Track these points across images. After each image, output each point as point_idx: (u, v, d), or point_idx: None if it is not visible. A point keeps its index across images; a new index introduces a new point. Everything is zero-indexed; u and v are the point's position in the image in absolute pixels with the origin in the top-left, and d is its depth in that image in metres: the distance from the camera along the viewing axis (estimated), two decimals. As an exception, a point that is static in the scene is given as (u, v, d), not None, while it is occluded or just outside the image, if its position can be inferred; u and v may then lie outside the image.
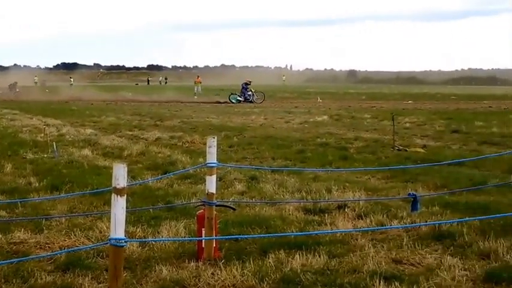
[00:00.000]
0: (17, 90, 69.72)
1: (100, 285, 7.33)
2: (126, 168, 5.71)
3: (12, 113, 37.89)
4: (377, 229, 9.46)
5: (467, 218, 9.52)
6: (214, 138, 8.21)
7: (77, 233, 9.32)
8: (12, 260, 7.60)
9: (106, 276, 7.27)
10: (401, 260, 8.21)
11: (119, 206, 5.62)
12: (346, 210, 10.83)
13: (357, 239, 9.06)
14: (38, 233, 9.40)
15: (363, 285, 7.23)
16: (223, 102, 53.26)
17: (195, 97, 61.56)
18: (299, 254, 8.22)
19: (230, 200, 11.43)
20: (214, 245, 8.22)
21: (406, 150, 19.26)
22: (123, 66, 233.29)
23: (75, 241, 9.04)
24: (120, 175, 5.63)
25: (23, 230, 9.41)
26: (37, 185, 13.27)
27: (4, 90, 69.73)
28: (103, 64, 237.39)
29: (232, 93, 56.05)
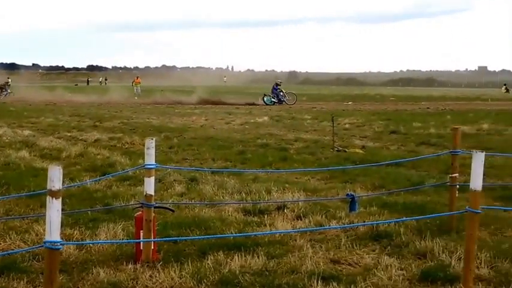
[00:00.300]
0: (8, 92, 64.35)
1: (36, 288, 7.24)
2: (61, 170, 5.64)
3: None
4: (315, 229, 9.52)
5: (404, 218, 9.62)
6: (152, 139, 8.17)
7: (13, 236, 9.17)
8: None
9: (42, 280, 7.18)
10: (339, 260, 8.28)
11: (54, 209, 5.56)
12: (285, 211, 10.86)
13: (295, 240, 9.10)
14: (-28, 237, 9.23)
15: (301, 286, 7.27)
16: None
17: (136, 98, 60.99)
18: (238, 255, 8.22)
19: (169, 201, 11.40)
20: (152, 247, 8.17)
21: (346, 151, 19.41)
22: (63, 66, 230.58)
23: (10, 244, 8.89)
24: (55, 177, 5.56)
25: (-43, 233, 9.24)
26: (-28, 187, 13.03)
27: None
28: (42, 64, 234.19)
29: (265, 95, 54.68)
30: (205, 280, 7.42)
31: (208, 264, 7.95)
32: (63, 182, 5.69)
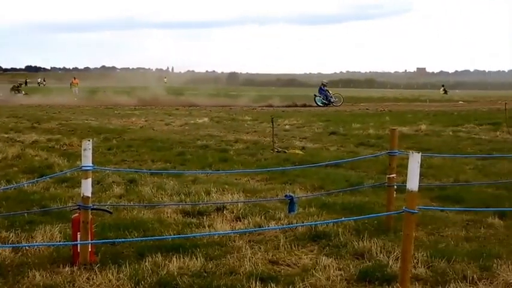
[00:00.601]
0: (23, 93, 61.92)
1: (-30, 293, 7.11)
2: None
3: None
4: (254, 230, 9.53)
5: (342, 219, 9.69)
6: (89, 141, 8.08)
7: None
8: None
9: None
10: (277, 261, 8.29)
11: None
12: (224, 212, 10.85)
13: (234, 241, 9.09)
14: None
15: (240, 287, 7.26)
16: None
17: (75, 99, 60.22)
18: (176, 257, 8.18)
19: (108, 203, 11.30)
20: (90, 249, 8.09)
21: (285, 152, 19.46)
22: (0, 67, 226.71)
23: None
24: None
25: None
26: None
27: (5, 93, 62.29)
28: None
29: (316, 96, 54.26)
30: (143, 282, 7.37)
31: (146, 266, 7.90)
32: (-2, 184, 5.60)
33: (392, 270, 7.71)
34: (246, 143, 22.24)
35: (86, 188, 8.07)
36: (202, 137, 24.05)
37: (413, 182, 6.70)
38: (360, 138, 23.86)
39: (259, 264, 8.05)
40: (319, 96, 53.95)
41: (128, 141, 22.45)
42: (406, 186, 6.89)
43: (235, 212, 10.83)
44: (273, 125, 21.72)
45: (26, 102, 53.57)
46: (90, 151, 8.02)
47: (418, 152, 6.81)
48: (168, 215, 10.76)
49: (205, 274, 7.71)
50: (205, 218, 10.52)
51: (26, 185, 12.69)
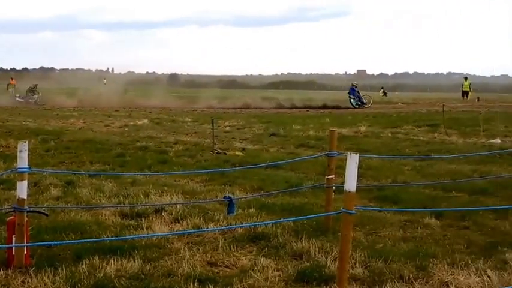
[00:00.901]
0: (39, 95, 58.39)
1: None
2: None
3: None
4: (193, 232, 9.49)
5: (282, 219, 9.71)
6: (25, 142, 7.95)
7: None
8: None
9: None
10: (216, 263, 8.28)
11: None
12: (163, 214, 10.78)
13: (173, 243, 9.05)
14: None
15: (177, 289, 7.23)
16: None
17: (17, 99, 59.06)
18: (114, 259, 8.10)
19: (44, 205, 11.14)
20: (25, 252, 7.96)
21: (226, 154, 19.45)
22: None
23: None
24: None
25: None
26: None
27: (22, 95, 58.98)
28: None
29: (350, 97, 53.87)
30: (79, 285, 7.28)
31: (83, 268, 7.80)
32: None
33: (330, 271, 7.75)
34: (186, 144, 22.16)
35: (21, 190, 7.94)
36: (141, 139, 23.89)
37: (350, 183, 6.72)
38: (300, 140, 23.95)
39: (198, 266, 8.02)
40: (353, 97, 54.06)
41: (66, 142, 22.17)
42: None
43: (174, 213, 10.77)
44: (213, 126, 21.68)
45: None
46: (26, 153, 7.90)
47: (356, 153, 6.84)
48: (106, 217, 10.65)
49: (143, 276, 7.65)
50: (143, 219, 10.45)
51: (-40, 187, 12.45)
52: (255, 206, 11.28)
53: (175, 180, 14.33)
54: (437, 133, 26.84)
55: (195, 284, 7.28)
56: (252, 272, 7.75)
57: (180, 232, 9.63)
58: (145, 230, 9.91)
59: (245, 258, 8.42)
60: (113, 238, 8.94)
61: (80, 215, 10.73)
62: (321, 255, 8.46)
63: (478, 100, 63.77)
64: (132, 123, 32.45)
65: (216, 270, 8.01)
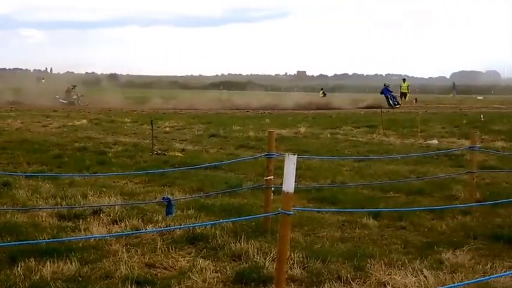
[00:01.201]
0: (79, 95, 56.48)
1: None
2: None
3: None
4: (131, 234, 9.42)
5: (220, 220, 9.69)
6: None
7: None
8: None
9: None
10: (154, 264, 8.23)
11: None
12: (101, 215, 10.68)
13: (111, 245, 8.97)
14: None
15: (115, 291, 7.17)
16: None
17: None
18: (50, 262, 8.00)
19: (-21, 207, 10.95)
20: (-42, 255, 7.82)
21: (165, 154, 19.35)
22: None
23: None
24: None
25: None
26: None
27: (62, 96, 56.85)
28: None
29: (389, 97, 54.53)
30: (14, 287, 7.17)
31: (18, 271, 7.69)
32: None
33: (269, 272, 7.76)
34: (125, 145, 22.01)
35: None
36: (80, 139, 23.64)
37: (288, 184, 6.73)
38: (240, 141, 23.97)
39: (136, 268, 7.97)
40: (390, 98, 55.02)
41: (3, 143, 21.81)
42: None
43: (112, 215, 10.68)
44: (152, 127, 21.55)
45: None
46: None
47: (294, 154, 6.85)
48: (43, 218, 10.52)
49: (80, 278, 7.57)
50: (81, 221, 10.33)
51: None
52: (194, 207, 11.25)
53: (114, 181, 14.22)
54: (376, 134, 27.13)
55: (133, 286, 7.24)
56: (190, 274, 7.73)
57: (118, 234, 9.54)
58: (82, 231, 9.81)
59: (183, 260, 8.39)
60: (50, 240, 8.81)
61: (16, 217, 10.56)
62: (260, 256, 8.46)
63: (416, 101, 64.57)
64: (70, 123, 32.10)
65: (154, 272, 7.97)
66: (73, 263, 7.99)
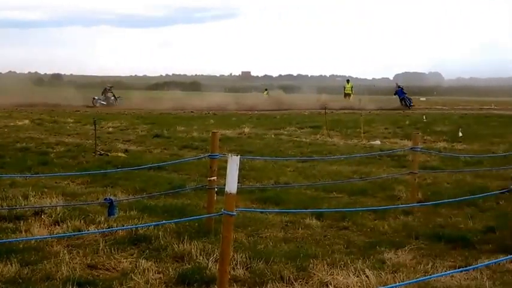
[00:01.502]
0: (116, 96, 55.98)
1: None
2: None
3: None
4: (73, 235, 9.32)
5: (163, 221, 9.65)
6: None
7: None
8: None
9: None
10: (96, 265, 8.18)
11: None
12: (42, 216, 10.56)
13: (52, 246, 8.88)
14: None
15: (56, 293, 7.10)
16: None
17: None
18: (-11, 264, 7.89)
19: None
20: None
21: (108, 155, 19.19)
22: None
23: None
24: None
25: None
26: None
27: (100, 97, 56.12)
28: None
29: (405, 98, 54.90)
30: (-48, 291, 7.05)
31: (-45, 274, 7.56)
32: None
33: (212, 272, 7.75)
34: (68, 145, 21.79)
35: None
36: (22, 140, 23.32)
37: (231, 185, 6.73)
38: (184, 141, 23.89)
39: (77, 269, 7.90)
40: (407, 99, 55.44)
41: None
42: (226, 188, 6.93)
43: (54, 216, 10.57)
44: (95, 127, 21.37)
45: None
46: None
47: (237, 155, 6.85)
48: (-17, 220, 10.36)
49: (20, 280, 7.48)
50: (22, 222, 10.20)
51: None
52: (137, 208, 11.19)
53: (56, 182, 14.06)
54: (320, 135, 27.27)
55: (75, 288, 7.17)
56: (132, 275, 7.69)
57: (60, 235, 9.45)
58: (23, 233, 9.68)
59: (126, 261, 8.34)
60: (-11, 242, 8.69)
61: (-46, 219, 10.39)
62: (203, 257, 8.46)
63: (360, 102, 65.02)
64: (12, 123, 31.67)
65: (96, 273, 7.91)
66: (13, 265, 7.89)
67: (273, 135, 27.03)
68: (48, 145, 21.80)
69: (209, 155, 10.08)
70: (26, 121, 33.19)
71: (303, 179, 15.39)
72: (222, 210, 6.80)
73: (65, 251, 8.61)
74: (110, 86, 58.93)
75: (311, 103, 55.70)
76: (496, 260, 8.34)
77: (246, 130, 29.02)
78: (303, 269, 8.13)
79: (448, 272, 8.16)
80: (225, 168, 6.74)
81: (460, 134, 26.50)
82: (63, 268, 7.86)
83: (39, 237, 9.23)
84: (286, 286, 7.67)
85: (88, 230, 9.78)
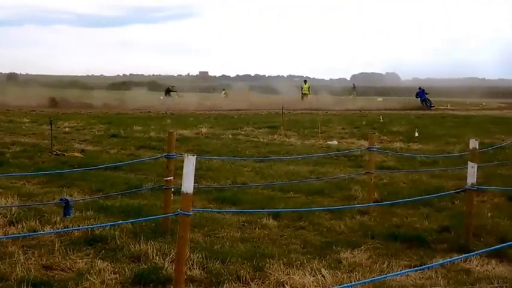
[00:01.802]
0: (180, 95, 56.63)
1: None
2: None
3: None
4: (28, 235, 9.24)
5: (119, 222, 9.62)
6: None
7: None
8: None
9: None
10: (52, 266, 8.13)
11: None
12: (-3, 217, 10.46)
13: (7, 247, 8.79)
14: None
15: (10, 294, 7.04)
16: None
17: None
18: None
19: None
20: None
21: (64, 155, 19.05)
22: None
23: None
24: None
25: None
26: None
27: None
28: None
29: (426, 99, 56.09)
30: None
31: None
32: None
33: (168, 273, 7.75)
34: (24, 145, 21.57)
35: None
36: (-25, 140, 23.05)
37: (188, 185, 6.74)
38: (141, 141, 23.80)
39: (32, 270, 7.85)
40: (427, 100, 56.56)
41: None
42: (182, 188, 6.93)
43: (8, 216, 10.47)
44: (51, 127, 21.20)
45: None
46: None
47: (194, 155, 6.85)
48: None
49: (-26, 282, 7.40)
50: (-24, 223, 10.10)
51: None
52: (93, 208, 11.14)
53: (11, 182, 13.92)
54: (277, 135, 27.34)
55: (29, 289, 7.11)
56: (88, 275, 7.66)
57: (15, 235, 9.37)
58: (-23, 234, 9.59)
59: (82, 261, 8.30)
60: None
61: None
62: (159, 257, 8.45)
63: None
64: (-34, 123, 31.29)
65: (52, 274, 7.86)
66: (-33, 266, 7.81)
67: (230, 135, 27.02)
68: (4, 145, 21.56)
69: (166, 155, 10.06)
70: (-19, 121, 32.81)
71: (260, 179, 15.42)
72: (179, 210, 6.81)
73: (20, 252, 8.54)
74: (171, 86, 59.85)
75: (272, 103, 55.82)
76: (450, 259, 8.46)
77: (204, 130, 29.00)
78: (260, 269, 8.16)
79: (404, 271, 8.25)
80: (182, 168, 6.74)
81: (416, 134, 26.78)
82: (17, 269, 7.81)
83: (-7, 238, 9.15)
84: (243, 286, 7.70)
85: (43, 231, 9.71)
